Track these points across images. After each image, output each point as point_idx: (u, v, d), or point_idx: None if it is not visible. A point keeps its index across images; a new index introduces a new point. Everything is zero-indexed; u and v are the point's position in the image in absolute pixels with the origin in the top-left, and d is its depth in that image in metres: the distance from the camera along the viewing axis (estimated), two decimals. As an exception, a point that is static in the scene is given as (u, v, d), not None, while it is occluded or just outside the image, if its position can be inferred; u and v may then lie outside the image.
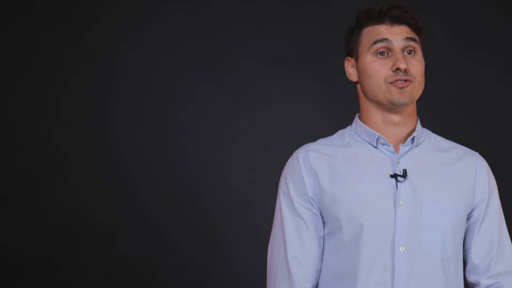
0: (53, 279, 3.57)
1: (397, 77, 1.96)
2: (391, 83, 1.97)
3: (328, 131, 2.13)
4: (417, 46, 2.00)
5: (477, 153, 2.07)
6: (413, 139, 2.01)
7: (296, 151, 2.06)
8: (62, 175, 3.61)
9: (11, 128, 3.60)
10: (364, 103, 2.04)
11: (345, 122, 2.12)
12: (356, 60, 2.03)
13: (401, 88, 1.96)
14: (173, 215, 3.62)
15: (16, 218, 3.56)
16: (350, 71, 2.05)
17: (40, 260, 3.57)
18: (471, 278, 2.03)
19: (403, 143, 2.01)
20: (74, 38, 3.59)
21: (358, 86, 2.05)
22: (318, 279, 2.01)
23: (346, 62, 2.06)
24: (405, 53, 1.99)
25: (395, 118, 2.00)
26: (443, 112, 3.61)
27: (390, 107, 1.98)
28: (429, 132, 2.08)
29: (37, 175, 3.59)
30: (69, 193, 3.59)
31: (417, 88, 1.99)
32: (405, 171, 1.97)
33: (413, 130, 2.02)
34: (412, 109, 2.03)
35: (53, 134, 3.62)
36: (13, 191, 3.57)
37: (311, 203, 2.00)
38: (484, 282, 2.01)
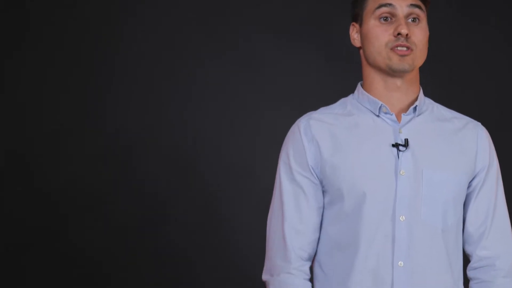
0: (52, 246, 3.58)
1: (398, 43, 1.95)
2: (391, 48, 1.96)
3: (330, 99, 2.13)
4: (421, 14, 1.99)
5: (479, 123, 2.07)
6: (415, 108, 2.00)
7: (297, 120, 2.05)
8: (62, 142, 3.60)
9: (11, 95, 3.59)
10: (367, 69, 2.03)
11: (347, 90, 2.11)
12: (360, 25, 2.02)
13: (402, 55, 1.96)
14: (173, 183, 3.62)
15: (16, 186, 3.56)
16: (354, 36, 2.05)
17: (39, 227, 3.57)
18: (467, 249, 2.03)
19: (405, 112, 2.00)
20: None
21: (361, 51, 2.04)
22: (316, 249, 2.01)
23: (351, 28, 2.05)
24: (409, 20, 1.98)
25: (397, 82, 1.99)
26: (445, 80, 3.60)
27: (390, 73, 1.98)
28: (432, 101, 2.07)
29: (37, 143, 3.59)
30: (69, 160, 3.59)
31: (418, 56, 1.98)
32: (406, 140, 1.96)
33: (416, 99, 2.02)
34: (414, 76, 2.02)
35: (53, 102, 3.61)
36: (12, 159, 3.57)
37: (311, 173, 1.99)
38: (478, 253, 2.01)
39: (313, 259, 2.05)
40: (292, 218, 1.99)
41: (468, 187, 2.02)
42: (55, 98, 3.60)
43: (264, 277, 2.02)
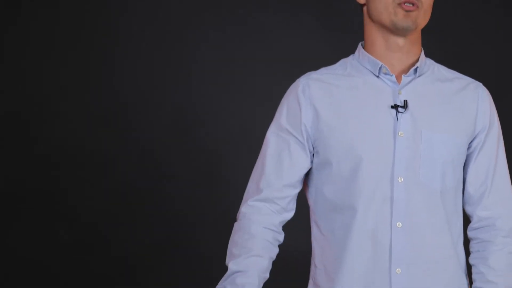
0: (52, 210, 3.61)
1: None
2: (398, 4, 1.94)
3: (330, 60, 2.12)
4: None
5: (480, 84, 2.06)
6: (416, 70, 2.00)
7: (297, 80, 2.05)
8: (62, 106, 3.62)
9: (13, 59, 3.60)
10: (368, 27, 2.01)
11: (348, 51, 2.10)
12: None
13: (407, 11, 1.94)
14: (173, 146, 3.64)
15: (16, 149, 3.58)
16: None
17: (39, 191, 3.60)
18: (467, 209, 2.03)
19: (406, 73, 1.99)
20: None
21: (364, 8, 2.02)
22: (290, 207, 2.02)
23: None
24: None
25: (400, 41, 1.98)
26: (446, 42, 3.57)
27: (393, 31, 1.96)
28: (433, 62, 2.06)
29: (37, 106, 3.60)
30: (70, 124, 3.60)
31: (422, 15, 1.97)
32: (406, 102, 1.96)
33: (417, 61, 2.01)
34: (416, 37, 2.00)
35: (53, 66, 3.62)
36: (13, 123, 3.59)
37: (301, 133, 2.00)
38: (478, 214, 2.01)
39: (311, 221, 2.07)
40: (271, 173, 2.00)
41: (468, 148, 2.01)
42: (57, 62, 3.62)
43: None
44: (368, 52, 2.01)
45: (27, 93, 3.60)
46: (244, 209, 2.01)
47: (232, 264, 1.93)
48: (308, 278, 2.08)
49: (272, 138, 2.03)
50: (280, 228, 2.02)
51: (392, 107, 1.96)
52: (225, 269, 1.95)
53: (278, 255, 2.01)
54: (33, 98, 3.60)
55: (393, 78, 1.99)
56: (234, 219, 2.03)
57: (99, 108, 3.62)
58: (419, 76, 2.00)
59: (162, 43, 3.66)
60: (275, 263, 2.00)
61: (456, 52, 3.52)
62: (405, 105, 1.96)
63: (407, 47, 1.99)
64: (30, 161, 3.60)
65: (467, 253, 2.04)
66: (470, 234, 2.03)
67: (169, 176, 3.65)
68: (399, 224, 1.94)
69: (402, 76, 1.98)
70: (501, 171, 2.03)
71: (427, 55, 2.05)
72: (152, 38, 3.66)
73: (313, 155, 2.01)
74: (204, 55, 3.65)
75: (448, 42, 3.57)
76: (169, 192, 3.65)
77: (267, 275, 1.97)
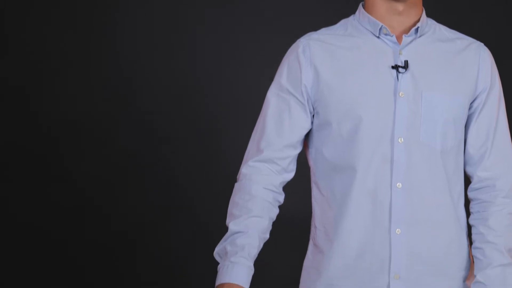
0: (48, 174, 3.61)
1: None
2: None
3: (331, 21, 2.11)
4: None
5: (481, 44, 2.04)
6: (417, 30, 1.98)
7: (297, 40, 2.04)
8: (64, 78, 3.61)
9: (15, 31, 3.58)
10: None
11: (349, 12, 2.09)
12: None
13: None
14: (174, 116, 3.63)
15: (18, 122, 3.58)
16: None
17: (39, 163, 3.60)
18: (468, 170, 2.03)
19: (407, 33, 1.98)
20: None
21: None
22: (291, 168, 2.02)
23: None
24: None
25: (399, 6, 1.97)
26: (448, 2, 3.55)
27: None
28: (434, 22, 2.05)
29: (38, 78, 3.59)
30: (71, 97, 3.60)
31: None
32: (406, 62, 1.95)
33: (418, 21, 2.00)
34: (416, 0, 1.99)
35: (55, 30, 3.60)
36: (14, 95, 3.58)
37: (302, 93, 1.99)
38: (478, 174, 2.01)
39: (311, 181, 2.07)
40: (271, 133, 2.00)
41: (469, 108, 2.01)
42: (59, 26, 3.60)
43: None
44: (368, 13, 2.00)
45: (29, 58, 3.58)
46: (244, 169, 2.01)
47: (232, 225, 1.94)
48: (308, 239, 2.09)
49: (273, 98, 2.02)
50: (281, 189, 2.02)
51: (392, 67, 1.95)
52: (223, 232, 1.95)
53: (278, 216, 2.02)
54: (34, 63, 3.59)
55: (394, 38, 1.98)
56: (233, 182, 2.03)
57: (99, 74, 3.61)
58: (420, 36, 1.99)
59: (164, 7, 3.64)
60: (275, 224, 2.01)
61: (456, 14, 3.50)
62: (405, 66, 1.95)
63: (407, 10, 1.98)
64: (29, 126, 3.59)
65: (468, 214, 2.04)
66: (470, 194, 2.03)
67: (168, 141, 3.65)
68: (399, 185, 1.94)
69: (403, 36, 1.97)
70: (502, 132, 2.02)
71: (428, 14, 2.04)
72: (154, 2, 3.64)
73: (313, 116, 2.01)
74: (206, 20, 3.63)
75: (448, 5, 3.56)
76: (168, 157, 3.65)
77: (267, 236, 1.98)
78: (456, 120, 1.98)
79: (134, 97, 3.63)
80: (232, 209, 1.97)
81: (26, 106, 3.60)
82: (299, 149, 2.03)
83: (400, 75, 1.95)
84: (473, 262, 2.00)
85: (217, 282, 1.87)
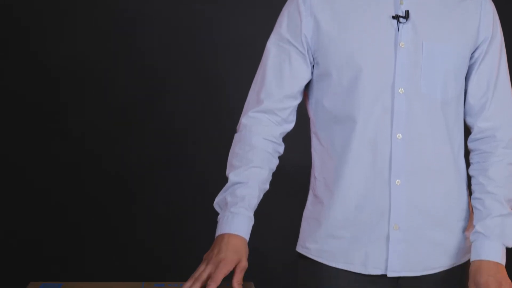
0: (49, 128, 3.61)
1: None
2: None
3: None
4: None
5: None
6: None
7: None
8: (64, 19, 3.58)
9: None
10: None
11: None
12: None
13: None
14: (173, 61, 3.62)
15: (17, 64, 3.56)
16: None
17: (38, 107, 3.59)
18: (468, 121, 2.03)
19: None
20: None
21: None
22: (291, 119, 2.02)
23: None
24: None
25: None
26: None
27: None
28: None
29: (38, 19, 3.57)
30: (71, 38, 3.57)
31: None
32: (407, 12, 1.93)
33: None
34: None
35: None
36: (13, 37, 3.56)
37: (302, 43, 1.98)
38: (479, 125, 2.01)
39: (311, 132, 2.07)
40: (271, 83, 1.99)
41: (470, 58, 2.00)
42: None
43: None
44: None
45: (33, 7, 3.56)
46: (244, 120, 2.00)
47: (232, 175, 1.94)
48: (308, 190, 2.09)
49: (273, 48, 2.01)
50: (281, 140, 2.02)
51: (393, 17, 1.94)
52: (221, 185, 1.95)
53: (278, 167, 2.02)
54: (37, 12, 3.56)
55: None
56: (232, 133, 2.02)
57: (102, 22, 3.58)
58: (421, -15, 1.97)
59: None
60: (275, 175, 2.01)
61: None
62: (406, 16, 1.93)
63: None
64: (30, 75, 3.58)
65: (468, 165, 2.04)
66: (470, 145, 2.03)
67: (169, 90, 3.64)
68: (399, 136, 1.94)
69: None
70: (503, 82, 2.01)
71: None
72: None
73: (313, 66, 2.00)
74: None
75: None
76: (169, 108, 3.64)
77: (267, 186, 1.98)
78: (457, 71, 1.97)
79: (135, 45, 3.62)
80: (232, 159, 1.97)
81: (29, 60, 3.59)
82: (299, 100, 2.02)
83: (400, 25, 1.93)
84: (473, 212, 2.01)
85: (217, 233, 1.88)
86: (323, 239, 2.01)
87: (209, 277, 1.78)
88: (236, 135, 2.01)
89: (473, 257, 1.95)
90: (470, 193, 2.04)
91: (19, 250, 3.63)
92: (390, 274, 1.98)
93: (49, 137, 3.60)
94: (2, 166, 3.60)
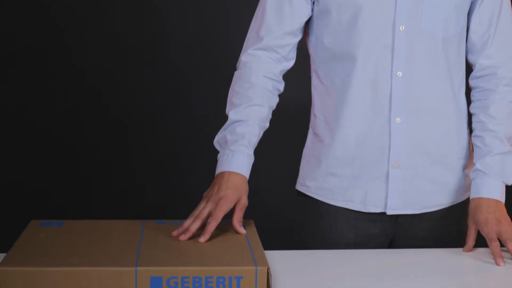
0: (53, 64, 3.59)
1: None
2: None
3: None
4: None
5: None
6: None
7: None
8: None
9: None
10: None
11: None
12: None
13: None
14: (180, 7, 3.59)
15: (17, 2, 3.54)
16: None
17: (39, 43, 3.57)
18: (469, 58, 2.01)
19: None
20: None
21: None
22: (291, 56, 2.00)
23: None
24: None
25: None
26: None
27: None
28: None
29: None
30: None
31: None
32: None
33: None
34: None
35: None
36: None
37: None
38: (480, 62, 1.99)
39: (311, 70, 2.05)
40: (271, 20, 1.97)
41: None
42: None
43: None
44: None
45: None
46: (244, 57, 1.99)
47: (232, 114, 1.93)
48: (307, 128, 2.09)
49: None
50: (281, 77, 2.01)
51: None
52: (222, 122, 1.95)
53: (278, 105, 2.01)
54: None
55: None
56: (232, 71, 2.01)
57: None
58: None
59: None
60: (275, 113, 2.00)
61: None
62: None
63: None
64: (33, 14, 3.55)
65: (469, 103, 2.03)
66: (471, 83, 2.02)
67: (170, 35, 3.61)
68: (399, 73, 1.92)
69: None
70: (505, 19, 1.99)
71: None
72: None
73: (313, 2, 1.98)
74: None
75: None
76: (168, 50, 3.62)
77: (267, 125, 1.98)
78: (459, 7, 1.95)
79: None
80: (232, 97, 1.96)
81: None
82: (299, 37, 2.00)
83: None
84: (473, 150, 2.01)
85: (217, 171, 1.88)
86: (322, 177, 2.02)
87: (209, 215, 1.78)
88: (235, 73, 2.00)
89: (472, 195, 1.95)
90: (470, 130, 2.03)
91: (18, 190, 3.64)
92: (390, 212, 1.99)
93: (51, 73, 3.59)
94: (1, 106, 3.59)
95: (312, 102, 2.06)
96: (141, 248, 1.64)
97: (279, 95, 2.02)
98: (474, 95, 2.02)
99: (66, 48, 3.58)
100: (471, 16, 1.98)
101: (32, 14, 3.54)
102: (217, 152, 1.92)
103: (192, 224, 1.76)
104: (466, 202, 2.02)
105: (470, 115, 2.03)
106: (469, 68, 2.03)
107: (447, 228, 2.04)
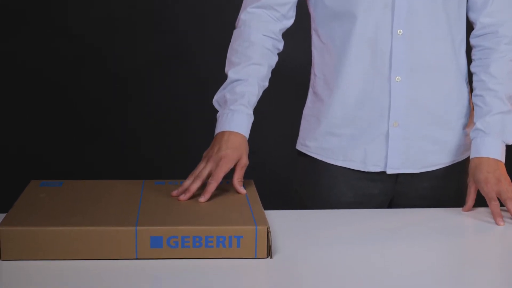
0: (52, 25, 3.57)
1: None
2: None
3: None
4: None
5: None
6: None
7: None
8: None
9: None
10: None
11: None
12: None
13: None
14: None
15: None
16: None
17: (39, 4, 3.55)
18: (470, 16, 1.99)
19: None
20: None
21: None
22: (290, 15, 1.99)
23: None
24: None
25: None
26: None
27: None
28: None
29: None
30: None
31: None
32: None
33: None
34: None
35: None
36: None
37: None
38: (481, 21, 1.97)
39: (311, 29, 2.04)
40: None
41: None
42: None
43: None
44: None
45: None
46: (243, 16, 1.97)
47: (231, 73, 1.92)
48: (307, 87, 2.08)
49: None
50: (280, 36, 1.99)
51: None
52: (222, 80, 1.94)
53: (277, 64, 2.00)
54: None
55: None
56: (232, 30, 2.00)
57: None
58: None
59: None
60: (274, 72, 1.99)
61: None
62: None
63: None
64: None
65: (469, 61, 2.02)
66: (472, 41, 2.01)
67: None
68: (399, 32, 1.91)
69: None
70: None
71: None
72: None
73: None
74: None
75: None
76: (172, 13, 3.60)
77: (267, 84, 1.97)
78: (460, -36, 1.93)
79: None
80: (231, 56, 1.95)
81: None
82: None
83: None
84: (473, 109, 2.00)
85: (217, 130, 1.87)
86: (322, 137, 2.01)
87: (209, 175, 1.78)
88: (235, 31, 1.99)
89: (472, 154, 1.95)
90: (471, 89, 2.02)
91: (18, 152, 3.64)
92: (389, 171, 1.99)
93: (51, 35, 3.57)
94: (3, 61, 3.58)
95: (312, 62, 2.05)
96: (141, 207, 1.64)
97: (279, 54, 2.01)
98: (474, 53, 2.01)
99: (65, 7, 3.56)
100: None
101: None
102: (216, 111, 1.92)
103: (192, 184, 1.75)
104: (466, 161, 2.02)
105: (470, 74, 2.02)
106: (469, 27, 2.02)
107: (447, 187, 2.04)
